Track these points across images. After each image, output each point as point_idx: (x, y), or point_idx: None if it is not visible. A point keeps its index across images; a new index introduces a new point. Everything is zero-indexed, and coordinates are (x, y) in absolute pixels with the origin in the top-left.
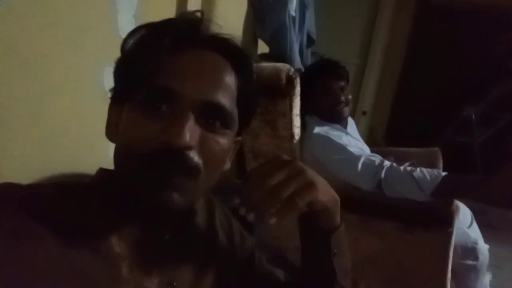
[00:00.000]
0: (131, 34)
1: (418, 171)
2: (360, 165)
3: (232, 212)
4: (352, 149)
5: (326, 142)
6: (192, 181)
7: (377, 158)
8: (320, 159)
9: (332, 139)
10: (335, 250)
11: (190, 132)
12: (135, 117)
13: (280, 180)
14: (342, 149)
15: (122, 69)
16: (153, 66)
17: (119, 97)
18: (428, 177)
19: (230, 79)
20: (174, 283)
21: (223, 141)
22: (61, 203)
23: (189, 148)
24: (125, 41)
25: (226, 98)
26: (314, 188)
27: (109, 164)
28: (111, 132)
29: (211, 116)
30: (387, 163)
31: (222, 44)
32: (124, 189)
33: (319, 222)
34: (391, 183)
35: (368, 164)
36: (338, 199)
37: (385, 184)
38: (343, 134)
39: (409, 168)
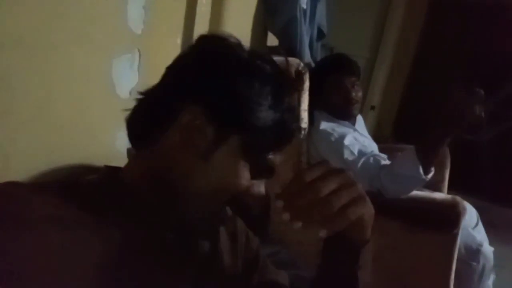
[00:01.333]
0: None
1: (395, 167)
2: (358, 167)
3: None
4: (355, 147)
5: (329, 140)
6: None
7: (376, 163)
8: (324, 156)
9: (336, 137)
10: (361, 264)
11: None
12: (241, 167)
13: (332, 190)
14: (343, 148)
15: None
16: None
17: (223, 121)
18: (406, 163)
19: None
20: (177, 284)
21: None
22: (65, 201)
23: None
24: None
25: None
26: (366, 202)
27: (115, 156)
28: (194, 153)
29: None
30: (381, 165)
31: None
32: (162, 200)
33: (351, 234)
34: (388, 189)
35: (366, 168)
36: (374, 212)
37: (384, 191)
38: (351, 131)
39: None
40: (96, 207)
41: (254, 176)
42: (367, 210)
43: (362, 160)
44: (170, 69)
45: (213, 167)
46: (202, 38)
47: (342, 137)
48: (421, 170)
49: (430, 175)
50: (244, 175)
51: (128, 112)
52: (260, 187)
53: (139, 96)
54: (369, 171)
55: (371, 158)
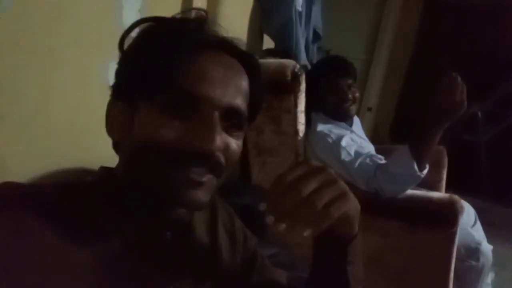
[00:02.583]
0: (133, 27)
1: (390, 166)
2: (355, 167)
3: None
4: (352, 148)
5: (326, 142)
6: (215, 180)
7: (372, 163)
8: (321, 158)
9: (333, 139)
10: (350, 259)
11: (219, 136)
12: (157, 117)
13: (314, 188)
14: (340, 150)
15: (133, 68)
16: (173, 67)
17: (126, 95)
18: (400, 161)
19: (245, 83)
20: (175, 283)
21: (239, 142)
22: (62, 202)
23: (219, 151)
24: (126, 34)
25: (243, 102)
26: (348, 199)
27: (113, 159)
28: (116, 130)
29: (230, 119)
30: (377, 165)
31: (233, 48)
32: (136, 187)
33: (338, 230)
34: (384, 189)
35: (363, 169)
36: (359, 207)
37: (381, 190)
38: (348, 132)
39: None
40: (93, 207)
41: (183, 112)
42: (351, 205)
43: (359, 160)
44: None
45: (135, 134)
46: None
47: (339, 138)
48: (415, 167)
49: (425, 171)
50: (167, 126)
51: None
52: (213, 137)
53: None
54: (366, 172)
55: (368, 159)
